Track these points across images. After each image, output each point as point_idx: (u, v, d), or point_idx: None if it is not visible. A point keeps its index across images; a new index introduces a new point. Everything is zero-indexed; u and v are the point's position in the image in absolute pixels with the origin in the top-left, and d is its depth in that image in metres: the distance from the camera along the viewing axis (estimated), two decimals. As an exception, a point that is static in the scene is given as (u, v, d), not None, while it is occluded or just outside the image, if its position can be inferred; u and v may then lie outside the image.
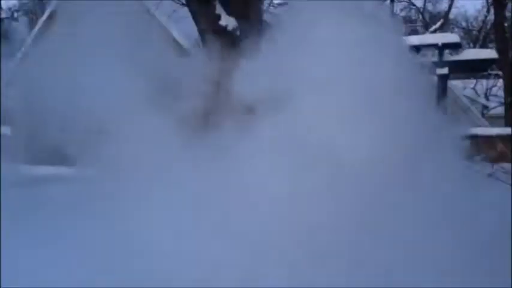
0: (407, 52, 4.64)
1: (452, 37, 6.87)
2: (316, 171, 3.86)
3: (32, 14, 26.17)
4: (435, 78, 6.96)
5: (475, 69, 10.14)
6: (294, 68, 4.30)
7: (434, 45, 6.68)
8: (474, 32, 28.16)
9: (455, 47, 6.79)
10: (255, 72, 4.41)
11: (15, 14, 25.57)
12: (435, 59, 6.85)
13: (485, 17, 25.46)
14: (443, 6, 26.64)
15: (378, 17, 4.75)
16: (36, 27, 14.76)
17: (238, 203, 3.96)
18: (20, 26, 25.63)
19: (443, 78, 6.64)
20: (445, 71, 6.56)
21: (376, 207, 3.72)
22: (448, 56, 6.95)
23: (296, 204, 3.79)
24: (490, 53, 7.27)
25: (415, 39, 6.90)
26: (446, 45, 6.64)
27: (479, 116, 22.41)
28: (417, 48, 6.71)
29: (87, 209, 4.59)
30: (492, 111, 25.55)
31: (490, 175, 4.57)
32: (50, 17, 14.12)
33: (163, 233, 3.93)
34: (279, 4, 21.84)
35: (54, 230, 4.78)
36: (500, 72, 21.56)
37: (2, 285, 3.34)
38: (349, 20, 4.23)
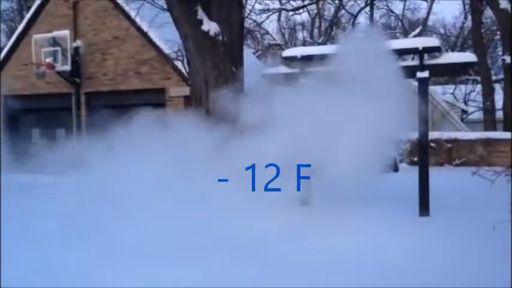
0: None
1: (432, 41, 6.94)
2: None
3: (11, 22, 25.83)
4: (415, 82, 7.02)
5: (454, 72, 10.27)
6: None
7: (415, 49, 6.73)
8: (452, 38, 28.60)
9: (435, 50, 6.86)
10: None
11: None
12: (415, 62, 6.91)
13: (463, 23, 25.92)
14: (422, 13, 27.06)
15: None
16: (15, 35, 14.58)
17: None
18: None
19: (424, 82, 6.70)
20: (425, 74, 6.62)
21: None
22: (428, 60, 7.01)
23: None
24: (469, 56, 7.37)
25: (395, 44, 6.97)
26: (426, 49, 6.69)
27: (459, 121, 22.71)
28: (397, 53, 6.78)
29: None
30: (471, 116, 25.93)
31: (474, 173, 4.64)
32: (28, 24, 13.96)
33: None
34: (260, 11, 22.00)
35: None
36: (478, 78, 21.94)
37: (2, 285, 3.29)
38: None
